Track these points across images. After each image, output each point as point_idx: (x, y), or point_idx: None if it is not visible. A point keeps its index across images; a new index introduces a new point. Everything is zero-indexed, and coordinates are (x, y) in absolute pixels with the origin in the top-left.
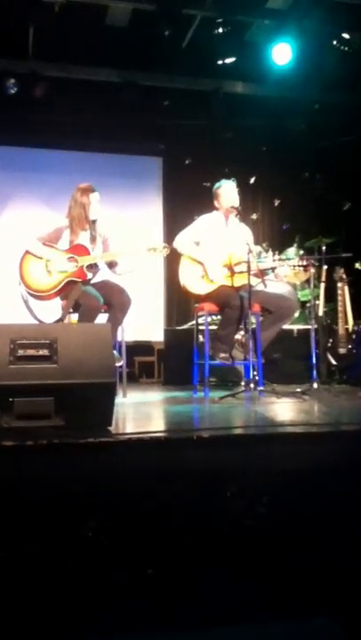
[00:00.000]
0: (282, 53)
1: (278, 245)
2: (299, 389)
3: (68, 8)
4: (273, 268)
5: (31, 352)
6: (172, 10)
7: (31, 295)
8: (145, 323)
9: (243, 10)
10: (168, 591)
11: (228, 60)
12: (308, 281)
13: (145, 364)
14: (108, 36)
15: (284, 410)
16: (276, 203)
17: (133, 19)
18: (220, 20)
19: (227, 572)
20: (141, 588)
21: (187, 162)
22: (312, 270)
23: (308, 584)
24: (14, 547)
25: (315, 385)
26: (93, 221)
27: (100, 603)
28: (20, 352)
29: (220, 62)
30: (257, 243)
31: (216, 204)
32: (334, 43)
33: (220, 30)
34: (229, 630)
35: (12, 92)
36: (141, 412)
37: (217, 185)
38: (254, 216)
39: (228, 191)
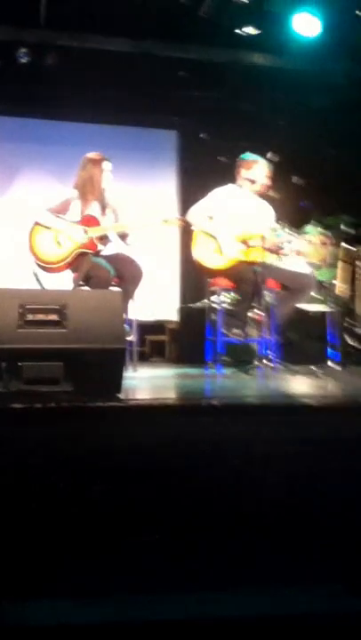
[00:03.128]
0: (306, 24)
1: (296, 223)
2: (313, 368)
3: None
4: (290, 243)
5: (40, 317)
6: None
7: (41, 267)
8: (157, 301)
9: None
10: (170, 558)
11: (248, 30)
12: (326, 259)
13: (156, 343)
14: (123, 3)
15: (299, 385)
16: (295, 179)
17: None
18: None
19: (231, 538)
20: (145, 555)
21: (202, 135)
22: (330, 247)
23: (319, 555)
24: (17, 508)
25: (330, 364)
26: (103, 191)
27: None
28: (30, 317)
29: (238, 32)
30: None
31: (236, 175)
32: None
33: None
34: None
35: (23, 61)
36: (151, 383)
37: (241, 156)
38: (271, 193)
39: (260, 168)
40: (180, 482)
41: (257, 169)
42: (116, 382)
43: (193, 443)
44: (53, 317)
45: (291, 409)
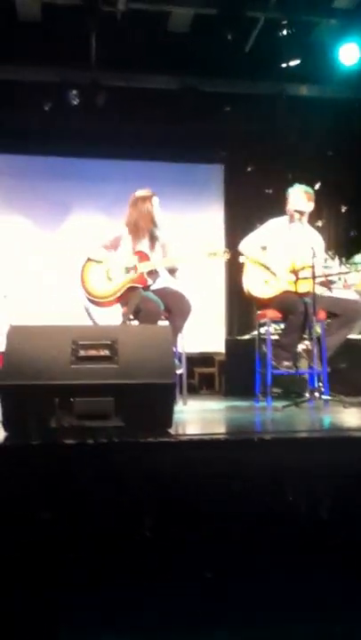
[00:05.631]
0: (349, 53)
1: (345, 253)
2: None
3: (130, 16)
4: (340, 274)
5: (92, 352)
6: (235, 13)
7: (92, 302)
8: (205, 333)
9: (308, 10)
10: (225, 593)
11: (293, 63)
12: None
13: (205, 376)
14: (170, 42)
15: (351, 417)
16: (344, 209)
17: (195, 23)
18: (284, 22)
19: (284, 576)
20: (197, 590)
21: (249, 169)
22: None
23: None
24: (69, 544)
25: None
26: (153, 227)
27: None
28: (82, 352)
29: (283, 65)
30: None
31: (285, 207)
32: None
33: (285, 32)
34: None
35: (75, 102)
36: (202, 417)
37: (289, 188)
38: (319, 223)
39: (294, 194)
40: (233, 517)
41: (300, 199)
42: (166, 417)
43: (246, 477)
44: (105, 353)
45: (343, 442)
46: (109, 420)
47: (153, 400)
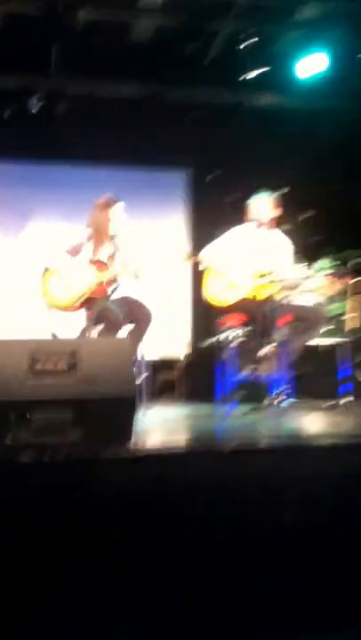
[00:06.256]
0: (312, 64)
1: (309, 258)
2: (326, 404)
3: (92, 25)
4: (304, 279)
5: (50, 366)
6: (196, 24)
7: (53, 308)
8: (167, 339)
9: (270, 21)
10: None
11: (255, 73)
12: (339, 293)
13: (166, 382)
14: (132, 51)
15: (312, 423)
16: (307, 214)
17: (157, 33)
18: (247, 33)
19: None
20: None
21: (211, 176)
22: (345, 281)
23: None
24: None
25: (342, 400)
26: (113, 236)
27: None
28: (39, 366)
29: (245, 76)
30: None
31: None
32: None
33: (247, 42)
34: None
35: (35, 109)
36: (162, 427)
37: (251, 198)
38: (284, 227)
39: (256, 204)
40: (192, 530)
41: (264, 208)
42: (126, 431)
43: (206, 489)
44: (62, 367)
45: (308, 449)
46: (68, 435)
47: (113, 413)
